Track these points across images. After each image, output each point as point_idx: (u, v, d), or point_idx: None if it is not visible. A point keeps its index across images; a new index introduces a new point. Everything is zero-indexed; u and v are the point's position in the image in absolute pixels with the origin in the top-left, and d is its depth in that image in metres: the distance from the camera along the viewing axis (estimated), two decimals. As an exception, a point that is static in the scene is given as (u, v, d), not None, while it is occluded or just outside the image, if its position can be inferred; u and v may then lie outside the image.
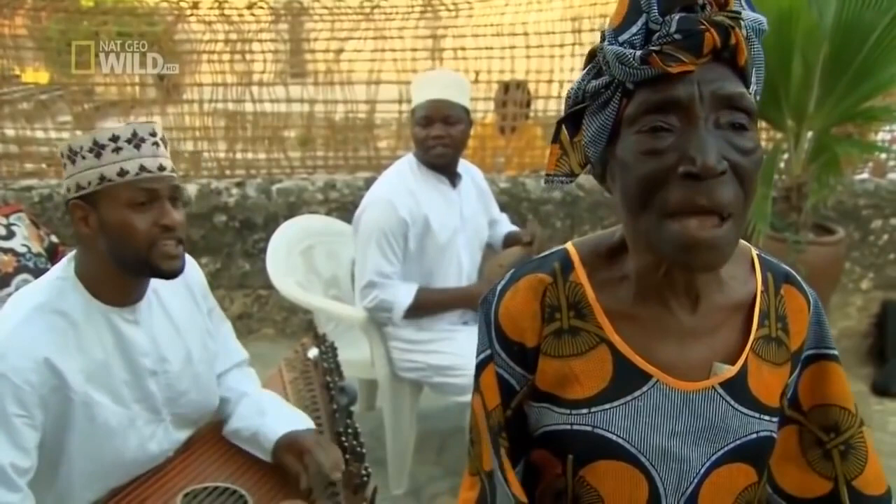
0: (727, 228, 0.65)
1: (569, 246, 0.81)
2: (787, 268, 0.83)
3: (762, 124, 3.61)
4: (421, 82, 2.26)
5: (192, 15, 3.68)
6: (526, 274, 0.80)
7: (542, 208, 3.54)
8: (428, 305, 2.18)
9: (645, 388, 0.75)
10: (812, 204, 3.07)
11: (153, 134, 1.25)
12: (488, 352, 0.80)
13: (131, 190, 1.21)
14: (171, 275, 1.27)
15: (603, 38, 0.70)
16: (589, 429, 0.75)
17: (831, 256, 3.01)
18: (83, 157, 1.21)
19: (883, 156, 3.77)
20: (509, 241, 2.48)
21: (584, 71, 0.72)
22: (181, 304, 1.39)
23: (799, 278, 0.83)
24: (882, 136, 3.97)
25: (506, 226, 2.54)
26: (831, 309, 3.39)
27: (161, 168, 1.24)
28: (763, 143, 3.79)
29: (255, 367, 1.63)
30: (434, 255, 2.21)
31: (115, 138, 1.21)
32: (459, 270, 2.28)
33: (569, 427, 0.76)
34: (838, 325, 3.65)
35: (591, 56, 0.73)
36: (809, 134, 2.94)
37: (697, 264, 0.67)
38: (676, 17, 0.64)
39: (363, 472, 1.40)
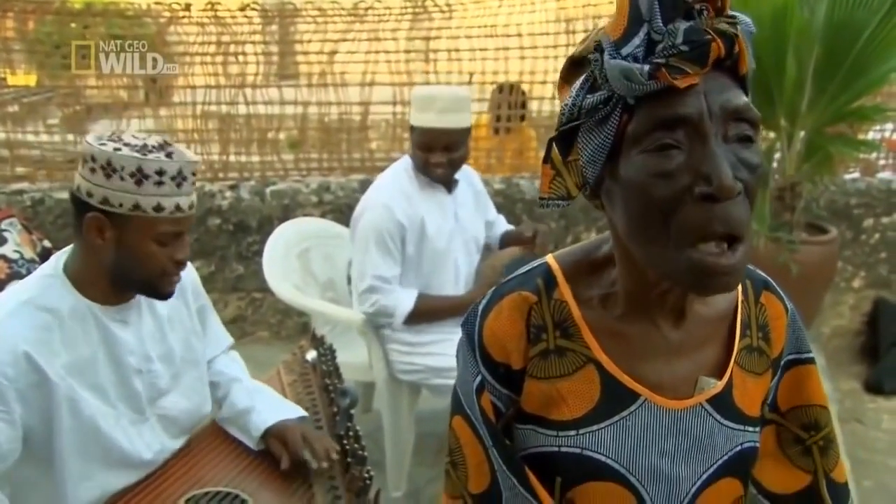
0: (741, 253, 0.64)
1: (550, 260, 0.78)
2: (764, 274, 0.83)
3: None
4: (421, 100, 2.17)
5: (184, 17, 3.66)
6: (509, 292, 0.77)
7: (537, 209, 3.55)
8: (428, 312, 2.18)
9: (633, 408, 0.74)
10: (804, 203, 3.08)
11: (194, 173, 1.26)
12: (480, 377, 0.77)
13: (163, 226, 1.23)
14: (166, 298, 1.32)
15: (598, 50, 0.65)
16: (577, 451, 0.74)
17: (825, 255, 3.03)
18: (122, 178, 1.19)
19: (873, 154, 3.80)
20: (507, 239, 2.47)
21: (578, 86, 0.68)
22: (169, 302, 1.38)
23: (776, 285, 0.83)
24: (872, 135, 4.00)
25: (503, 226, 2.53)
26: (824, 308, 3.41)
27: (191, 206, 1.27)
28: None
29: (249, 371, 1.62)
30: (431, 259, 2.21)
31: (160, 172, 1.20)
32: (456, 275, 2.27)
33: (556, 449, 0.74)
34: (831, 324, 3.68)
35: (573, 63, 0.69)
36: (802, 133, 2.96)
37: (713, 289, 0.65)
38: (682, 27, 0.61)
39: (365, 475, 1.39)
